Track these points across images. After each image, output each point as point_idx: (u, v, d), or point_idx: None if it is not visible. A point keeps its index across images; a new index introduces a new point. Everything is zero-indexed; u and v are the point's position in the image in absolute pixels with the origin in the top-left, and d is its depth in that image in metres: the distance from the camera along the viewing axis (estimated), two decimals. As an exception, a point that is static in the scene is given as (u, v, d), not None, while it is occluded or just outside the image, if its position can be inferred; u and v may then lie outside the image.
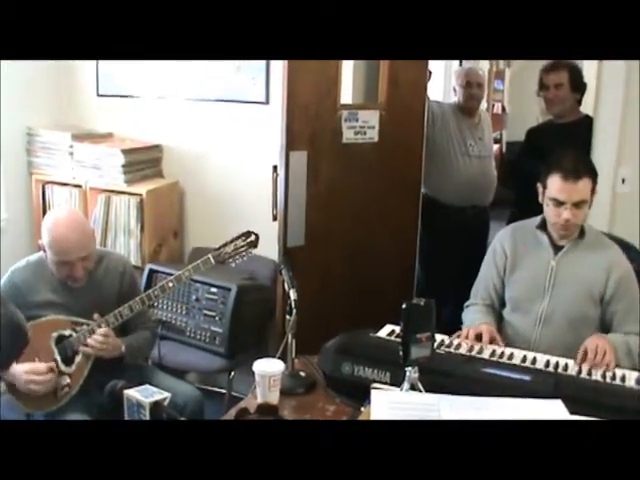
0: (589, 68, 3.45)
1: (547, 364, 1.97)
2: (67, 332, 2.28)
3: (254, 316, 3.13)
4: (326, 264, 2.99)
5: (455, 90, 3.77)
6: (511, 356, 2.04)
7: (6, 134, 3.37)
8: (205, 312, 3.12)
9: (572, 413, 1.49)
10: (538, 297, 2.29)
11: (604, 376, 1.92)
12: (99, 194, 3.41)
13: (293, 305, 1.96)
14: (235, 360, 3.04)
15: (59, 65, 3.58)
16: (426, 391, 1.60)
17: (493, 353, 2.07)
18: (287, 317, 1.97)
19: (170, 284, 2.34)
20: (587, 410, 1.51)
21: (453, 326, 2.29)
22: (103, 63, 3.62)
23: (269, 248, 2.81)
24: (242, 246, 2.36)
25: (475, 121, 3.73)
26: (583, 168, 2.21)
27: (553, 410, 1.50)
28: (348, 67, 3.06)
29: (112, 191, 3.39)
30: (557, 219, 2.22)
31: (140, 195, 3.33)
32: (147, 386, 1.61)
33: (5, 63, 3.22)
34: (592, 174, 2.22)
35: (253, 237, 2.37)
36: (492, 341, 2.17)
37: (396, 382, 1.70)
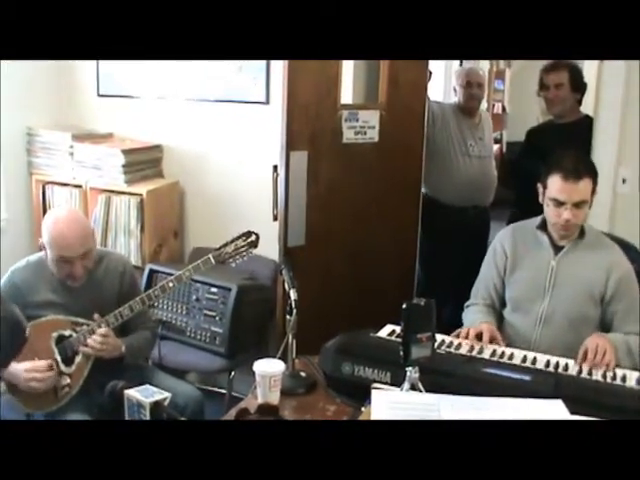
0: (589, 68, 3.47)
1: (547, 364, 1.97)
2: (67, 332, 2.28)
3: (254, 316, 3.13)
4: (326, 264, 2.99)
5: (455, 90, 3.77)
6: (511, 356, 2.04)
7: (6, 134, 3.37)
8: (205, 312, 3.12)
9: (572, 413, 1.49)
10: (538, 297, 2.29)
11: (605, 376, 1.92)
12: (99, 194, 3.41)
13: (293, 305, 1.95)
14: (235, 360, 3.04)
15: (59, 65, 3.58)
16: (426, 391, 1.60)
17: (493, 353, 2.07)
18: (287, 317, 1.97)
19: (170, 284, 2.34)
20: (588, 410, 1.51)
21: (453, 326, 2.29)
22: (103, 63, 3.62)
23: (269, 248, 2.81)
24: (242, 246, 2.36)
25: (475, 121, 3.73)
26: (583, 168, 2.20)
27: (553, 410, 1.50)
28: (348, 67, 3.06)
29: (112, 191, 3.40)
30: (557, 219, 2.22)
31: (140, 195, 3.33)
32: (147, 386, 1.61)
33: (5, 63, 3.22)
34: (592, 174, 2.21)
35: (253, 237, 2.37)
36: (493, 340, 2.17)
37: (396, 382, 1.70)
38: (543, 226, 2.33)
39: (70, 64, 3.65)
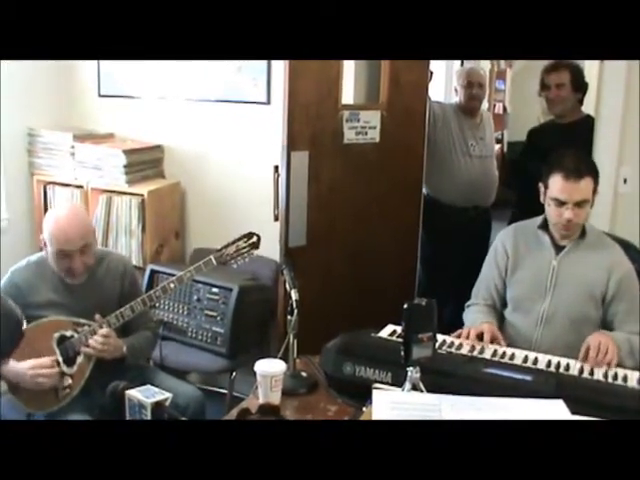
0: (590, 68, 3.46)
1: (548, 364, 1.97)
2: (68, 333, 2.28)
3: (256, 316, 3.13)
4: (327, 264, 2.99)
5: (456, 90, 3.77)
6: (512, 356, 2.04)
7: (7, 134, 3.37)
8: (207, 312, 3.12)
9: (574, 413, 1.49)
10: (539, 297, 2.29)
11: (606, 376, 1.92)
12: (100, 194, 3.41)
13: (294, 305, 1.95)
14: (236, 360, 3.04)
15: (60, 65, 3.58)
16: (428, 391, 1.60)
17: (494, 353, 2.07)
18: (288, 317, 1.97)
19: (172, 285, 2.34)
20: (589, 410, 1.51)
21: (454, 326, 2.29)
22: (104, 63, 3.62)
23: (270, 248, 2.81)
24: (244, 247, 2.36)
25: (476, 121, 3.73)
26: (585, 168, 2.20)
27: (555, 410, 1.49)
28: (349, 67, 3.06)
29: (113, 191, 3.40)
30: (559, 219, 2.22)
31: (141, 195, 3.33)
32: (148, 386, 1.62)
33: (5, 63, 3.22)
34: (594, 174, 2.21)
35: (255, 238, 2.37)
36: (494, 340, 2.17)
37: (397, 382, 1.70)
38: (544, 226, 2.33)
39: (71, 64, 3.65)
